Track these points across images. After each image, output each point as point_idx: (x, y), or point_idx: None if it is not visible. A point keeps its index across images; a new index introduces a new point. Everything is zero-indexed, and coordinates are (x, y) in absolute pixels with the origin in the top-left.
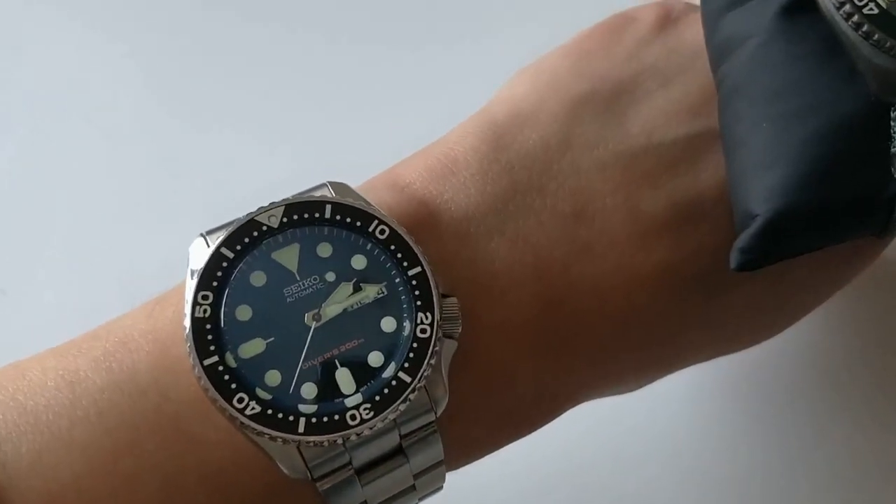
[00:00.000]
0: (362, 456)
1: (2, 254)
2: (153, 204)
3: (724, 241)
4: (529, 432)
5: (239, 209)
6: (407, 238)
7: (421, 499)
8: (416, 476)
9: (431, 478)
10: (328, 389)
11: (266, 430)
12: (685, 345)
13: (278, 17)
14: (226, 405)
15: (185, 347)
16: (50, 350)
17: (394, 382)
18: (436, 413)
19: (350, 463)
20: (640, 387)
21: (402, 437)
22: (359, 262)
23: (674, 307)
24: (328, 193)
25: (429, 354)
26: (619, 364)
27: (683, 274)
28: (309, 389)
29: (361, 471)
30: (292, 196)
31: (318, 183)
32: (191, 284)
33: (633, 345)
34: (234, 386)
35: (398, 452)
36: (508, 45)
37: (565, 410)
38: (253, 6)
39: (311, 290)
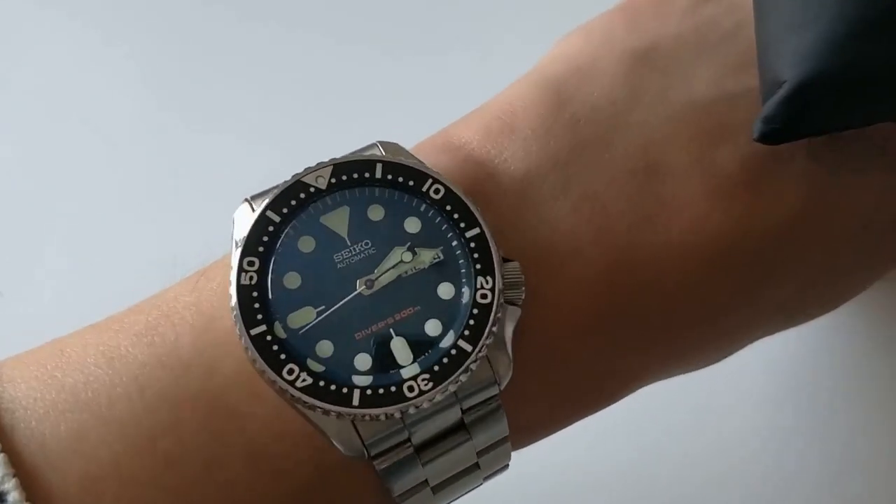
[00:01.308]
0: (422, 432)
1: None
2: (152, 204)
3: (798, 199)
4: (591, 412)
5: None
6: (464, 198)
7: (486, 478)
8: (479, 454)
9: (496, 455)
10: (383, 360)
11: (318, 404)
12: (752, 316)
13: (278, 18)
14: (275, 377)
15: (232, 318)
16: (90, 326)
17: (453, 352)
18: (500, 386)
19: (409, 440)
20: (701, 367)
21: (463, 411)
22: (412, 224)
23: (747, 272)
24: (378, 153)
25: (490, 321)
26: (684, 337)
27: (758, 235)
28: (363, 360)
29: (421, 448)
30: (341, 156)
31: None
32: (235, 251)
33: (700, 315)
34: (283, 357)
35: (460, 428)
36: (508, 48)
37: (631, 391)
38: (253, 6)
39: (362, 255)
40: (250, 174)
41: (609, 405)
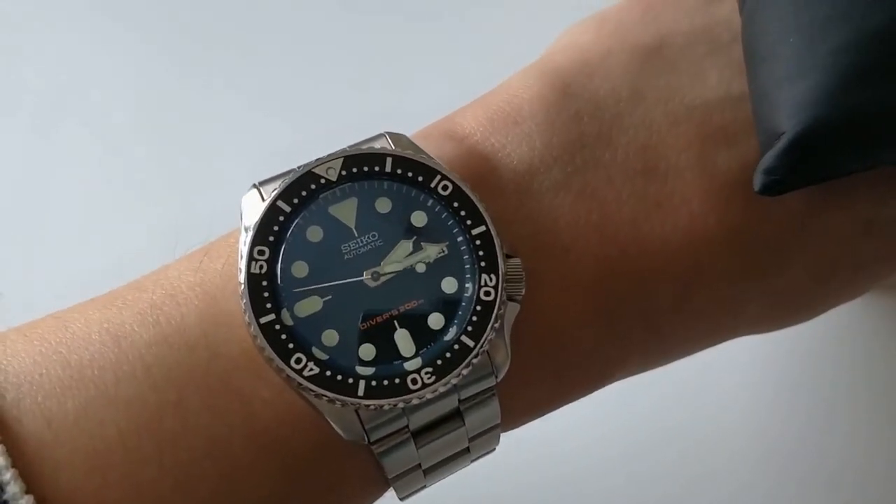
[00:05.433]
0: (420, 419)
1: None
2: (152, 204)
3: (795, 205)
4: (581, 396)
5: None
6: (471, 195)
7: (473, 460)
8: (471, 439)
9: (486, 440)
10: (387, 351)
11: (325, 393)
12: (743, 313)
13: (278, 19)
14: (283, 366)
15: (239, 303)
16: (91, 301)
17: (456, 346)
18: (497, 377)
19: (407, 426)
20: (685, 356)
21: (460, 401)
22: (419, 218)
23: (739, 272)
24: (387, 145)
25: (493, 318)
26: (674, 330)
27: (753, 239)
28: (367, 350)
29: (418, 433)
30: (349, 147)
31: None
32: (245, 238)
33: (692, 309)
34: (291, 346)
35: (455, 415)
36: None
37: (616, 379)
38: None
39: (369, 246)
40: (254, 172)
41: (604, 386)
